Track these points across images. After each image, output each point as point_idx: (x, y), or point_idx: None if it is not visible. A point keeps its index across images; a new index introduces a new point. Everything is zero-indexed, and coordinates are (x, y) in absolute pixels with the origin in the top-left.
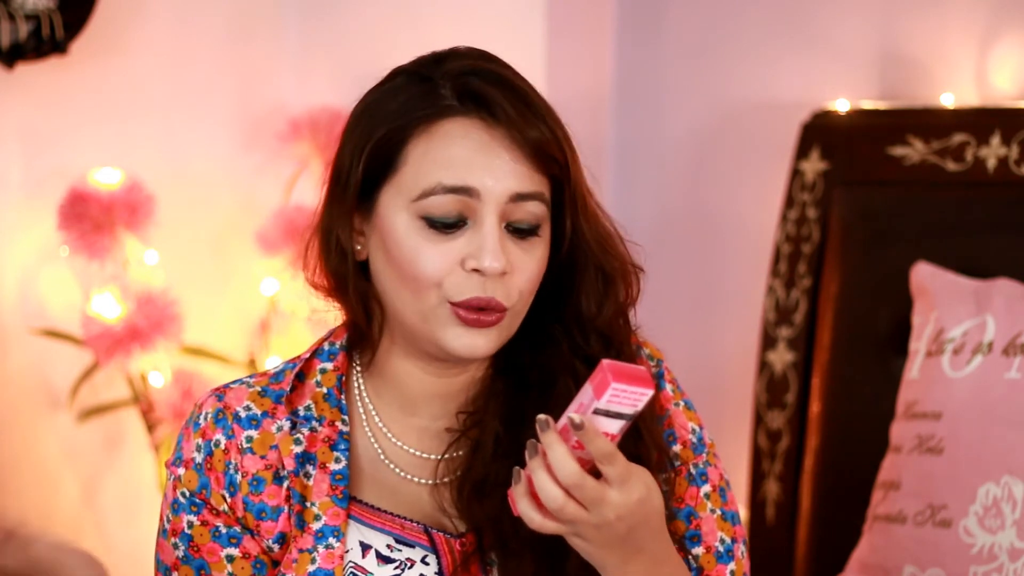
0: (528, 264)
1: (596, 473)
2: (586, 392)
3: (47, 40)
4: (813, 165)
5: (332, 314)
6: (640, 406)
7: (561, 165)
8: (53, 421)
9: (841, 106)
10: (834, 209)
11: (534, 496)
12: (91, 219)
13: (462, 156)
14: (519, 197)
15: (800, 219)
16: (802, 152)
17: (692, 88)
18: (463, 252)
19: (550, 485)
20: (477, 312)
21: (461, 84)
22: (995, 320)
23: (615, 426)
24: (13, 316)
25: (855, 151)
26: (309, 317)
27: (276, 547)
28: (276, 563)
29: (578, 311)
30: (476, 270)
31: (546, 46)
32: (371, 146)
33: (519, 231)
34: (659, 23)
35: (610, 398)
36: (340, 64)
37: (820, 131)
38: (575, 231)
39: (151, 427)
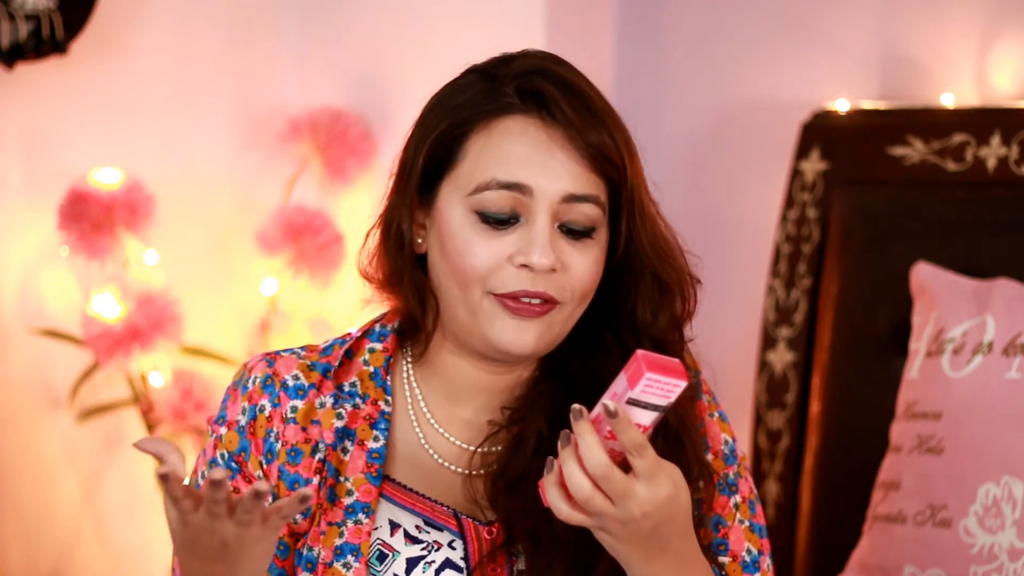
0: (582, 263)
1: (626, 468)
2: (620, 382)
3: (47, 40)
4: (813, 165)
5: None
6: (673, 397)
7: (619, 169)
8: (53, 421)
9: (841, 106)
10: (834, 209)
11: (563, 487)
12: (91, 219)
13: (518, 153)
14: (572, 198)
15: (800, 219)
16: (802, 152)
17: (692, 88)
18: (513, 248)
19: (579, 475)
20: (522, 302)
21: (524, 83)
22: (995, 320)
23: (647, 418)
24: (13, 316)
25: (855, 151)
26: (368, 301)
27: (300, 518)
28: (297, 537)
29: (633, 318)
30: (524, 265)
31: (546, 46)
32: (432, 139)
33: (572, 232)
34: (659, 23)
35: (644, 388)
36: (340, 64)
37: (820, 131)
38: (630, 236)
39: (151, 427)
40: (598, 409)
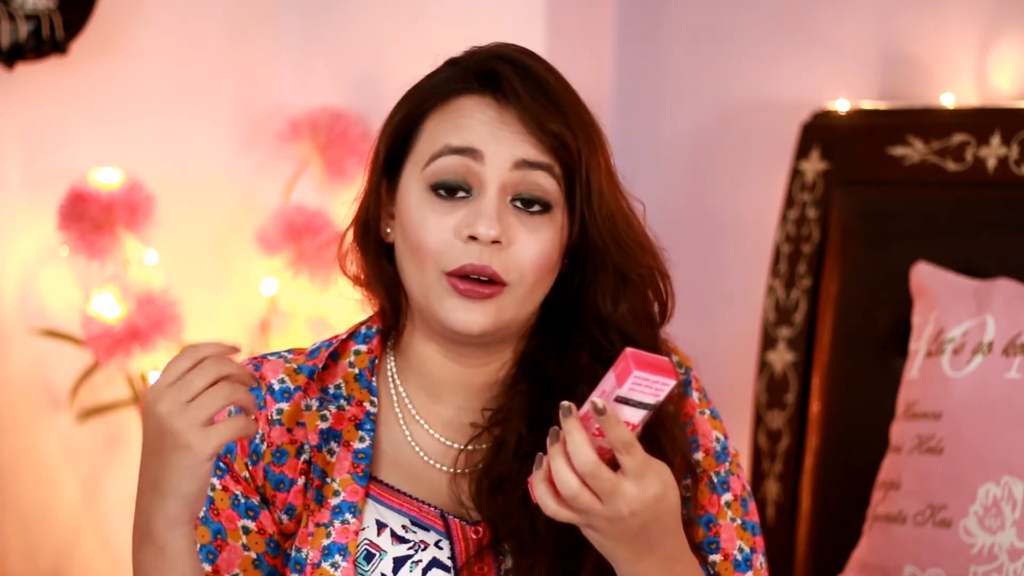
0: (531, 242)
1: (615, 466)
2: (608, 380)
3: (47, 40)
4: (813, 165)
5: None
6: (662, 396)
7: (571, 153)
8: (53, 421)
9: (841, 106)
10: (834, 209)
11: (552, 483)
12: (91, 219)
13: (470, 124)
14: (525, 164)
15: (800, 219)
16: (802, 152)
17: (692, 88)
18: (460, 222)
19: (566, 472)
20: (471, 282)
21: (482, 65)
22: (995, 320)
23: (636, 416)
24: (13, 316)
25: (855, 151)
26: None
27: (286, 518)
28: (286, 536)
29: (595, 309)
30: (472, 238)
31: (546, 46)
32: (393, 126)
33: (525, 202)
34: (659, 23)
35: (632, 386)
36: (340, 64)
37: (820, 131)
38: (584, 222)
39: None
40: (587, 406)
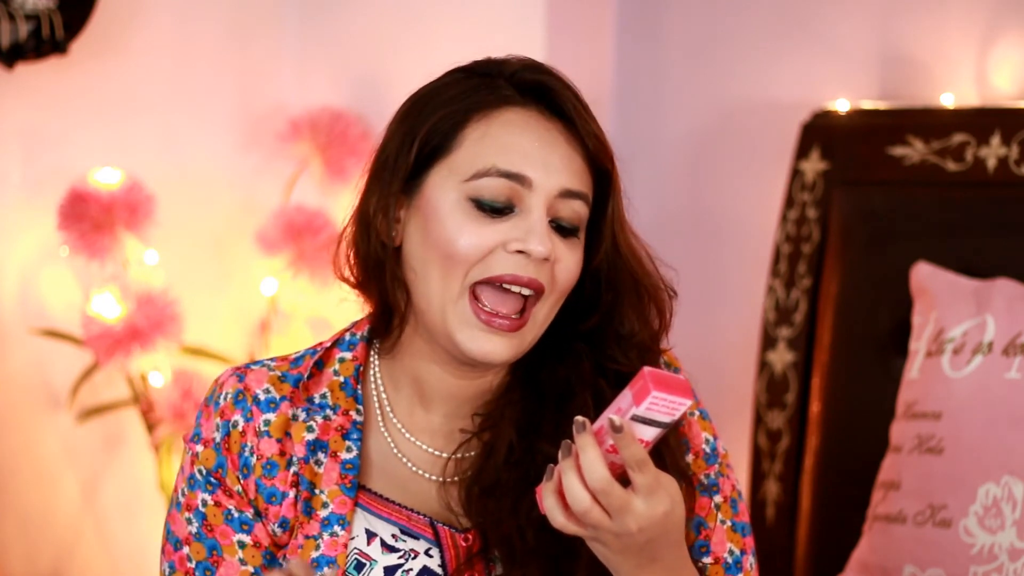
0: (570, 258)
1: (624, 480)
2: (625, 398)
3: (47, 40)
4: (813, 165)
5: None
6: (677, 415)
7: (611, 167)
8: (53, 421)
9: (841, 106)
10: (834, 209)
11: (561, 495)
12: (91, 219)
13: (519, 144)
14: (568, 194)
15: (800, 219)
16: (802, 152)
17: (692, 88)
18: (507, 236)
19: (578, 487)
20: (496, 316)
21: (521, 79)
22: (995, 320)
23: (650, 433)
24: (13, 316)
25: (855, 151)
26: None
27: (279, 531)
28: (279, 548)
29: (619, 328)
30: (520, 252)
31: (546, 46)
32: (427, 129)
33: (561, 228)
34: (659, 23)
35: (649, 406)
36: (340, 64)
37: (820, 131)
38: (615, 243)
39: (151, 427)
40: (601, 422)
